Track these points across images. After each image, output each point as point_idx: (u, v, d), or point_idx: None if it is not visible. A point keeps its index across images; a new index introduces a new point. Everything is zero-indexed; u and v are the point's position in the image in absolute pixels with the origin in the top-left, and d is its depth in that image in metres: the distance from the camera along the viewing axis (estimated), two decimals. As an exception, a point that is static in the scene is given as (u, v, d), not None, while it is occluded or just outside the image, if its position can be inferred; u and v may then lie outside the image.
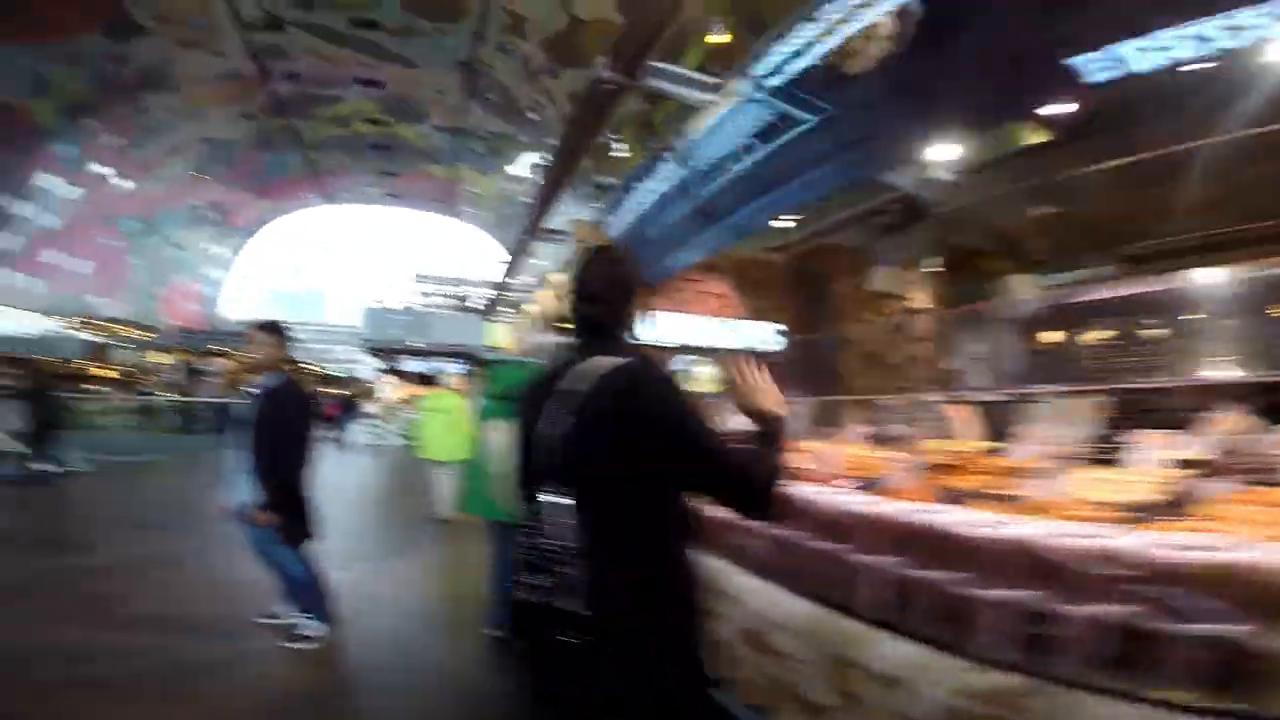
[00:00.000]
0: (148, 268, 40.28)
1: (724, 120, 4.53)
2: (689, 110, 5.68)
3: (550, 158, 11.04)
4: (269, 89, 33.49)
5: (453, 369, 17.15)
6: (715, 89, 5.53)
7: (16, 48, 24.38)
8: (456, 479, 7.43)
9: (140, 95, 30.53)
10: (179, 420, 15.47)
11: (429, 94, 34.26)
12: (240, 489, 3.65)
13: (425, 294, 23.46)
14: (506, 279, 21.16)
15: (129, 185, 35.37)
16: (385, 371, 31.18)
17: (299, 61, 31.18)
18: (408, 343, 17.76)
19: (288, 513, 3.65)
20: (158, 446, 13.51)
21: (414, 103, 35.29)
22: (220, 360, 21.00)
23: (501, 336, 18.72)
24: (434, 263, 45.47)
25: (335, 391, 29.09)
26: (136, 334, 24.05)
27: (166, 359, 21.18)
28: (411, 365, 18.35)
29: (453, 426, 6.91)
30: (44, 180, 30.60)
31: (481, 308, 24.06)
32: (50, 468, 8.84)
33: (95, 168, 32.89)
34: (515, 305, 18.27)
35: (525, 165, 14.06)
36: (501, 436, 2.79)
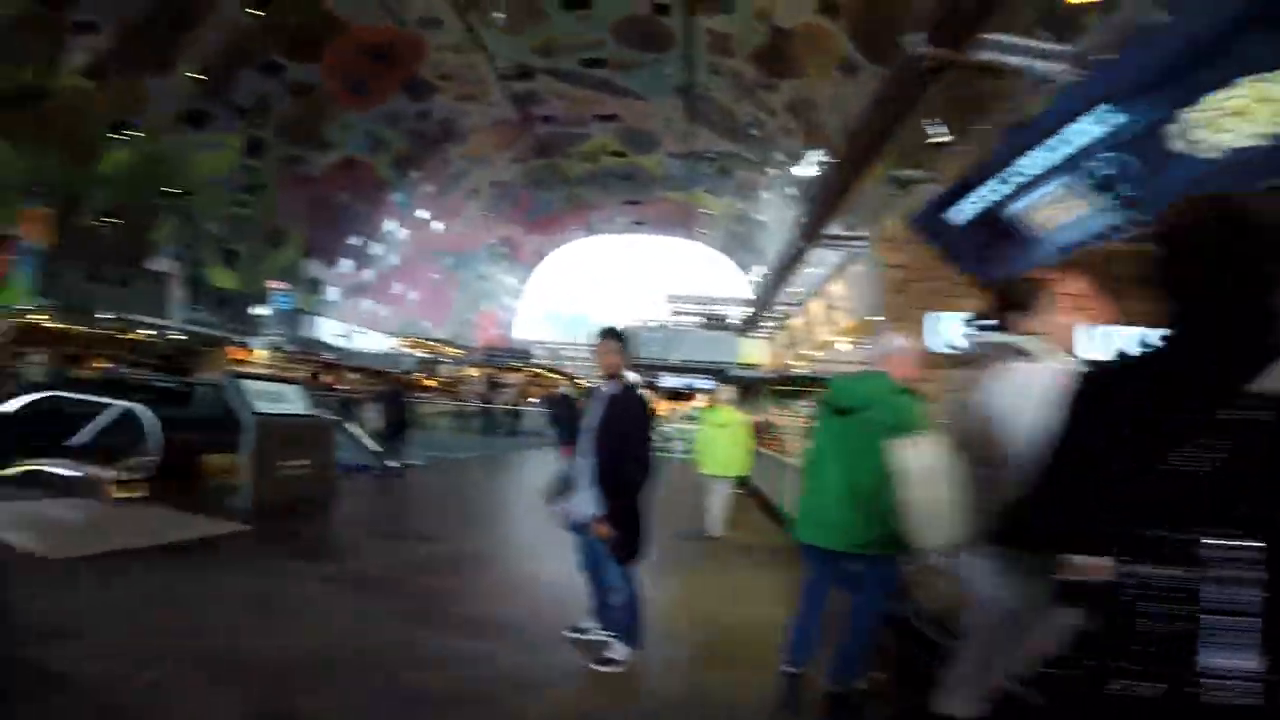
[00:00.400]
0: (464, 297, 49.40)
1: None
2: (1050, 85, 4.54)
3: (833, 157, 10.08)
4: (531, 133, 38.74)
5: (706, 385, 17.26)
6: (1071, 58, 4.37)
7: (356, 115, 31.18)
8: (730, 495, 7.21)
9: (442, 147, 37.21)
10: (483, 424, 18.36)
11: (658, 123, 36.72)
12: (584, 499, 3.61)
13: (677, 313, 24.25)
14: (766, 294, 21.04)
15: (442, 227, 43.76)
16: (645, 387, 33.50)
17: (550, 105, 35.57)
18: (666, 359, 18.36)
19: (625, 527, 3.53)
20: (468, 446, 15.92)
21: (647, 133, 38.05)
22: (513, 375, 24.60)
23: (756, 353, 18.37)
24: (678, 283, 47.69)
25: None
26: (453, 352, 29.35)
27: (475, 373, 25.71)
28: (667, 381, 19.02)
29: (734, 441, 6.64)
30: (388, 225, 39.42)
31: (734, 324, 24.14)
32: (397, 463, 10.14)
33: (419, 213, 41.14)
34: (779, 319, 17.64)
35: (810, 164, 13.25)
36: (925, 455, 2.15)
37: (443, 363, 26.87)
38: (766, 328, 18.56)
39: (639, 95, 34.07)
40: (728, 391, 8.31)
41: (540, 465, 11.40)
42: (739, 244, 47.97)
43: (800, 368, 13.73)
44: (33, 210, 21.24)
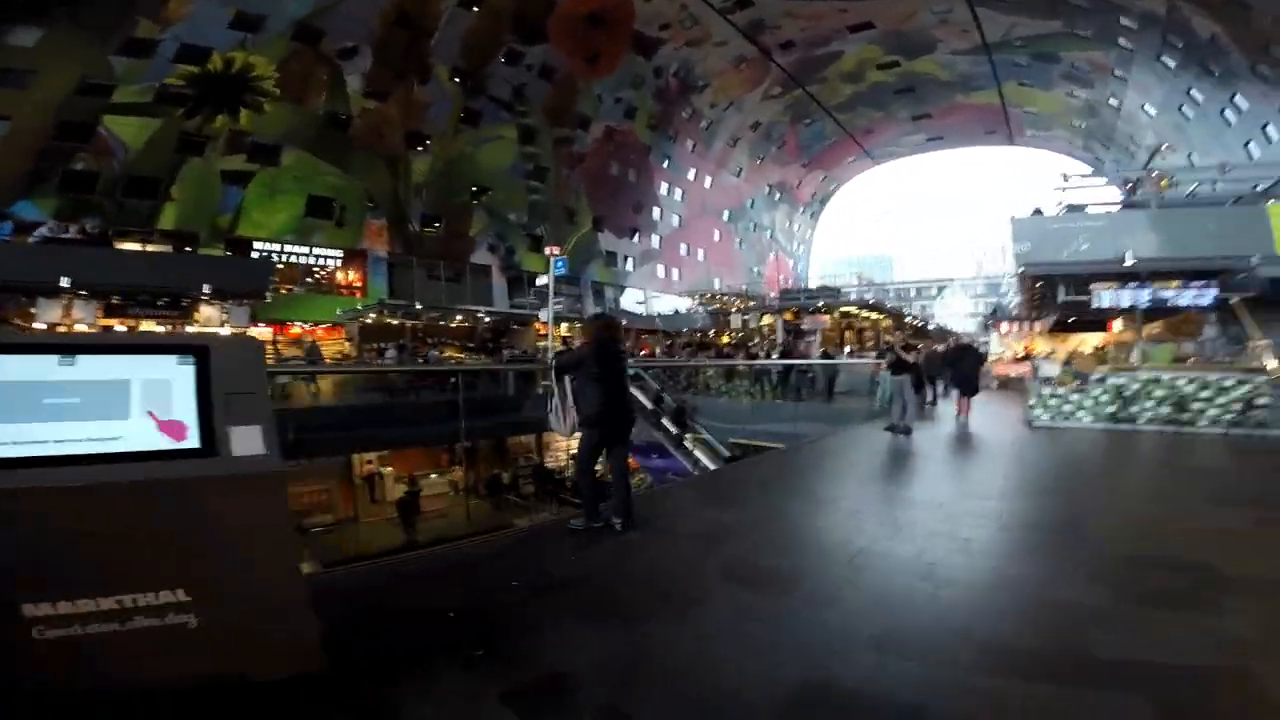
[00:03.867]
0: (748, 249, 47.67)
1: None
2: None
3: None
4: (775, 64, 34.08)
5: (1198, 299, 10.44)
6: None
7: (599, 85, 30.70)
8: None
9: (688, 98, 35.12)
10: (784, 387, 15.10)
11: (928, 19, 29.16)
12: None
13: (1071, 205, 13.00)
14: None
15: (712, 181, 42.11)
16: (994, 321, 26.43)
17: (784, 28, 30.91)
18: (1124, 259, 10.62)
19: None
20: (770, 419, 13.58)
21: (915, 33, 30.65)
22: (819, 319, 21.19)
23: None
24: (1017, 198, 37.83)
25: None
26: (741, 303, 27.29)
27: (770, 320, 23.03)
28: (1116, 297, 11.02)
29: None
30: (662, 189, 39.21)
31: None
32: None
33: (688, 171, 40.19)
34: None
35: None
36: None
37: (733, 314, 24.71)
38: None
39: None
40: None
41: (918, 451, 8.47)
42: (1093, 140, 36.43)
43: None
44: (373, 224, 25.12)
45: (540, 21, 27.11)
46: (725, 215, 44.70)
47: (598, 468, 4.56)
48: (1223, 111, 23.51)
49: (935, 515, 4.88)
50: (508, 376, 16.36)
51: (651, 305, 36.55)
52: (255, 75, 21.73)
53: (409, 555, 5.27)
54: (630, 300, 36.62)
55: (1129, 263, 10.02)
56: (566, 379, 4.53)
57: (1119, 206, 11.58)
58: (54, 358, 2.06)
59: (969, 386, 11.50)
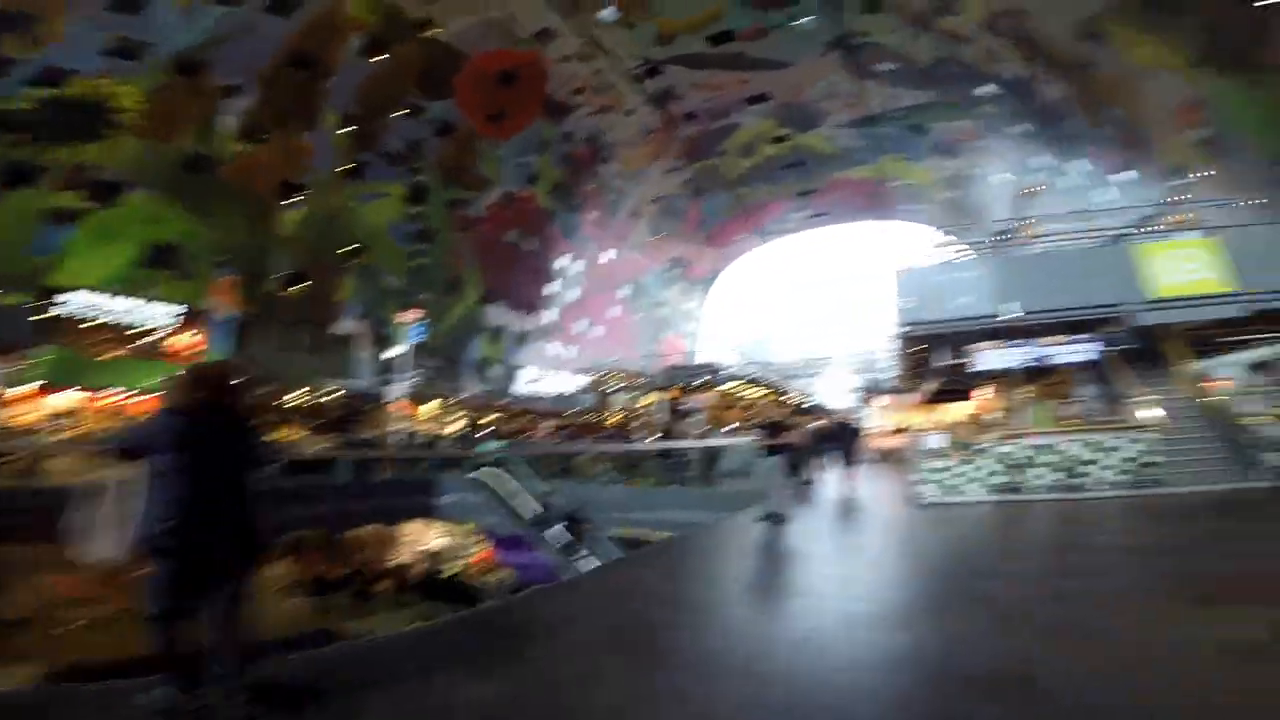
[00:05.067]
0: (646, 325, 46.87)
1: None
2: None
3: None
4: (678, 135, 34.72)
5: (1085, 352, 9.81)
6: None
7: (501, 146, 29.38)
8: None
9: (594, 167, 34.60)
10: (664, 469, 13.44)
11: (817, 91, 31.03)
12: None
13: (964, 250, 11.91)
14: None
15: (613, 254, 41.62)
16: (870, 394, 26.35)
17: (689, 99, 31.69)
18: (1006, 311, 9.82)
19: None
20: (656, 506, 11.90)
21: (806, 105, 32.43)
22: (703, 397, 19.62)
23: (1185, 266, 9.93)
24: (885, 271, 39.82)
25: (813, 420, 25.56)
26: (624, 379, 25.30)
27: (652, 399, 21.12)
28: (994, 358, 10.04)
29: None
30: (562, 260, 38.02)
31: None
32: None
33: (589, 243, 39.45)
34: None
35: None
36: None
37: (617, 394, 22.61)
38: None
39: (780, 63, 29.01)
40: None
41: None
42: (956, 213, 39.34)
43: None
44: (221, 280, 22.01)
45: (448, 76, 26.11)
46: (625, 290, 44.12)
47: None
48: (1069, 173, 25.77)
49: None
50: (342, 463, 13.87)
51: (542, 385, 34.45)
52: (116, 105, 19.09)
53: None
54: (522, 379, 34.43)
55: (1011, 315, 9.40)
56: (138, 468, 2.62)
57: (993, 251, 11.19)
58: None
59: (851, 460, 11.84)
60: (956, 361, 10.48)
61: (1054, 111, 24.60)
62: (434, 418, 24.67)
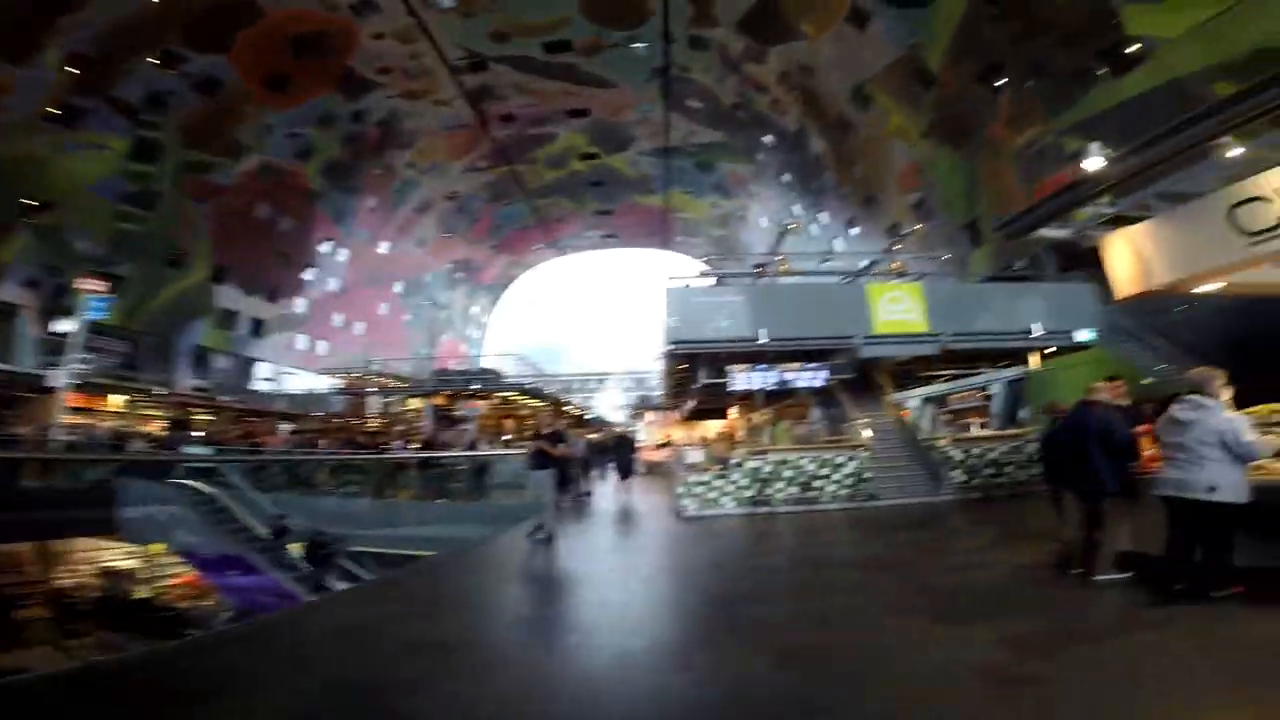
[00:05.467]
0: (420, 327, 43.31)
1: None
2: None
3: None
4: (490, 135, 33.32)
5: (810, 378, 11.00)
6: None
7: (275, 114, 25.79)
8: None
9: (384, 153, 31.64)
10: (428, 482, 12.14)
11: (633, 115, 32.46)
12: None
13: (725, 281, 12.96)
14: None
15: (390, 247, 38.06)
16: (641, 409, 27.40)
17: (510, 101, 30.80)
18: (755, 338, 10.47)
19: None
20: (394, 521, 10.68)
21: (620, 127, 33.68)
22: (476, 404, 18.02)
23: (897, 307, 11.56)
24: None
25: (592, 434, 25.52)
26: (386, 383, 22.16)
27: (418, 405, 18.80)
28: (747, 380, 11.16)
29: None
30: (324, 246, 33.53)
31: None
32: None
33: (362, 231, 35.19)
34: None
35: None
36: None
37: (376, 397, 19.66)
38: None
39: (608, 82, 29.75)
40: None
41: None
42: (724, 250, 43.59)
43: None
44: None
45: (230, 29, 21.76)
46: (398, 287, 40.57)
47: None
48: (811, 224, 30.00)
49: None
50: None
51: (284, 383, 29.83)
52: None
53: None
54: (258, 375, 29.42)
55: (762, 341, 10.27)
56: None
57: (751, 281, 12.23)
58: None
59: (627, 471, 12.71)
60: (715, 381, 11.18)
61: (814, 165, 28.44)
62: (125, 413, 19.75)
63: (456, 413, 17.91)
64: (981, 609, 4.41)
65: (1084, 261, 12.14)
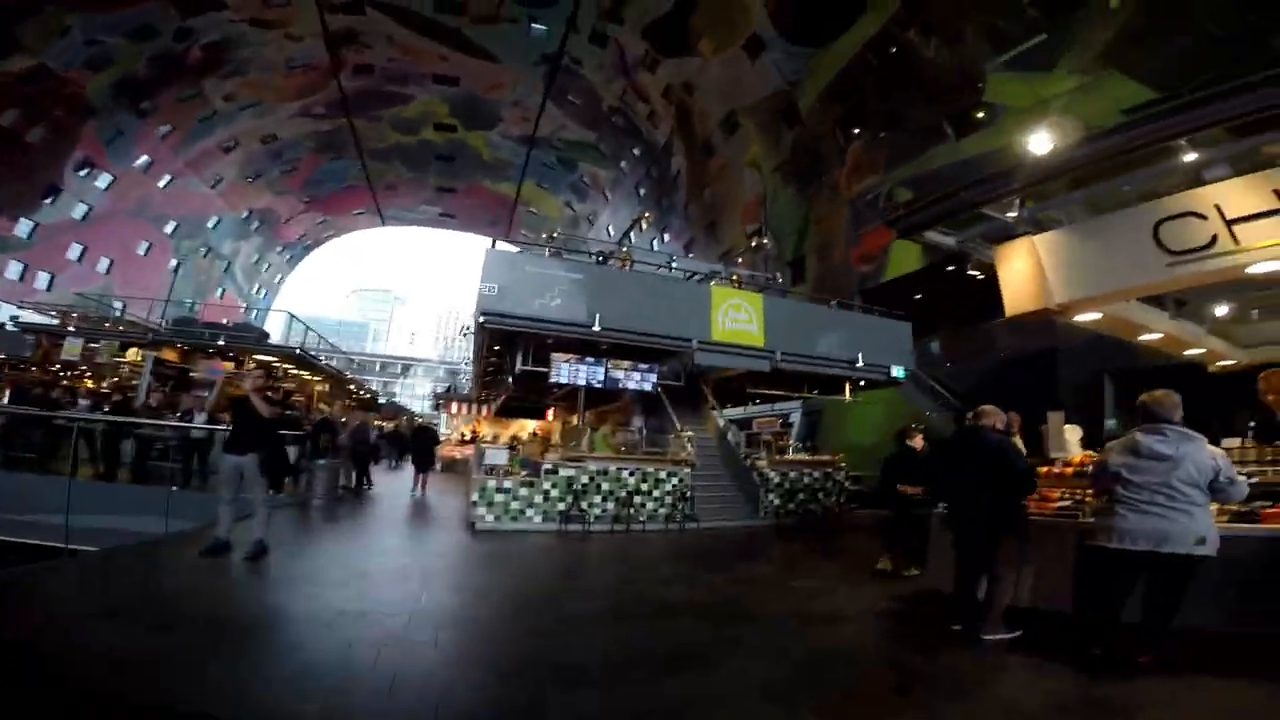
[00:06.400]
0: (188, 275, 35.73)
1: None
2: None
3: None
4: (338, 81, 29.17)
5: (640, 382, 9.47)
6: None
7: (84, 16, 20.34)
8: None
9: (201, 79, 26.25)
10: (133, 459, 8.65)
11: (506, 94, 30.07)
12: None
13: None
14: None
15: (170, 181, 31.11)
16: (445, 401, 24.42)
17: (375, 50, 27.17)
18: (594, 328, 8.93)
19: None
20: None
21: (488, 104, 31.03)
22: (217, 364, 13.77)
23: (738, 316, 10.42)
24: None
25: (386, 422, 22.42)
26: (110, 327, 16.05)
27: (135, 356, 13.69)
28: (570, 372, 9.54)
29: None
30: (81, 169, 26.34)
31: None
32: None
33: (141, 158, 28.69)
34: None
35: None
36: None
37: (70, 341, 13.56)
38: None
39: (492, 57, 27.21)
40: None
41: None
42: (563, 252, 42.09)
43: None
44: None
45: None
46: (169, 227, 33.24)
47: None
48: (653, 242, 29.75)
49: None
50: None
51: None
52: None
53: None
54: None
55: (595, 328, 8.74)
56: None
57: (593, 260, 10.69)
58: None
59: (426, 463, 12.18)
60: (536, 370, 9.44)
61: (670, 183, 28.18)
62: None
63: (194, 373, 13.84)
64: (877, 690, 3.21)
65: (891, 303, 12.60)
